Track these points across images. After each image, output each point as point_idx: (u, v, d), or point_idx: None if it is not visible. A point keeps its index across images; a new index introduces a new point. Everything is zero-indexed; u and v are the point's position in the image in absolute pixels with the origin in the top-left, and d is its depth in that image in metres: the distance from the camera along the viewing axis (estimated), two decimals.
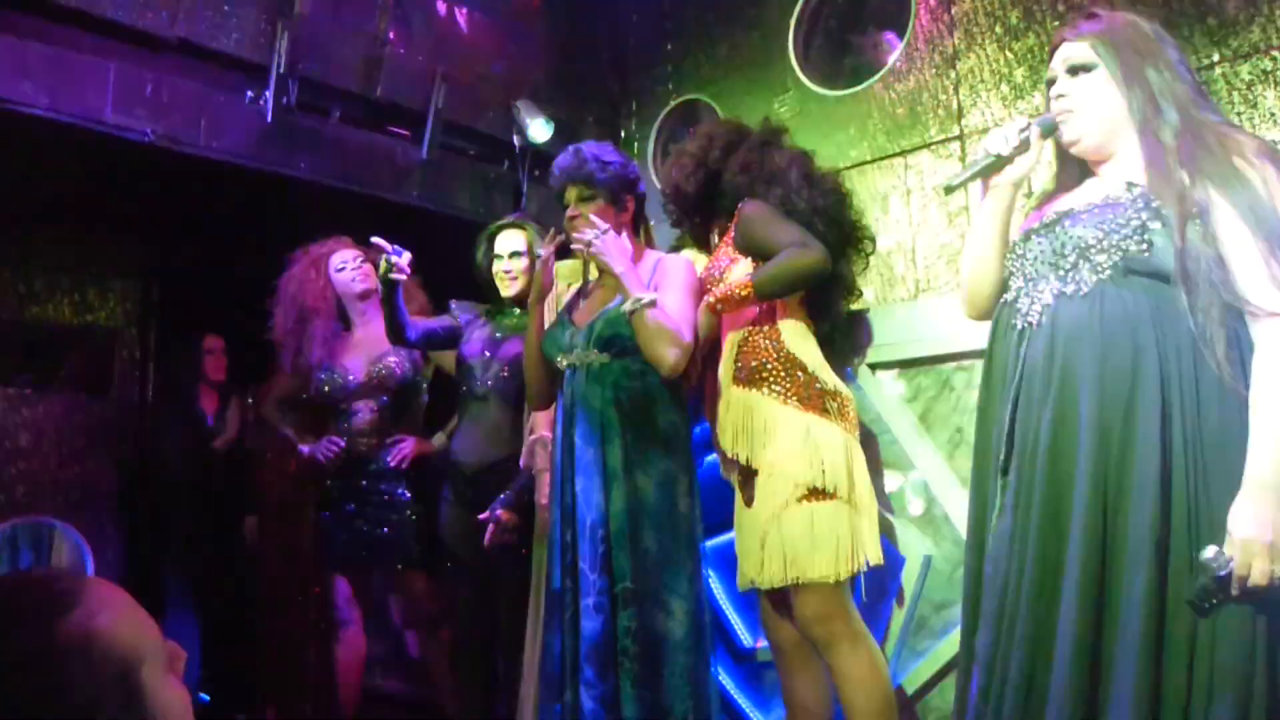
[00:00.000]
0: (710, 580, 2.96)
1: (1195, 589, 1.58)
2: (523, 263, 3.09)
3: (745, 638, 3.11)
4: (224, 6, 3.15)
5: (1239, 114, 2.49)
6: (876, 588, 2.72)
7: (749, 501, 2.52)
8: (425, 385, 3.59)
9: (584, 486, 2.47)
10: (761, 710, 3.09)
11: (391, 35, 3.52)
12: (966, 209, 2.90)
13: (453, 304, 3.28)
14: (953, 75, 3.03)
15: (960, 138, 3.00)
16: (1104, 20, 1.87)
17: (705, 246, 2.84)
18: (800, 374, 2.48)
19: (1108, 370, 1.70)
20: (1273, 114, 2.46)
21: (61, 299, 4.37)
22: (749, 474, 2.52)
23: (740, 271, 2.54)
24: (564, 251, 2.69)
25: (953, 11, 3.04)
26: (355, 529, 3.32)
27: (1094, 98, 1.84)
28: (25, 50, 2.82)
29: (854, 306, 2.87)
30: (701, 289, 2.61)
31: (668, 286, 2.56)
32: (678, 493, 2.49)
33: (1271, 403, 1.60)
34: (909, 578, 2.84)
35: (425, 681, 3.66)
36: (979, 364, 2.00)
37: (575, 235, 2.55)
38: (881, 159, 3.18)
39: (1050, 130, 1.88)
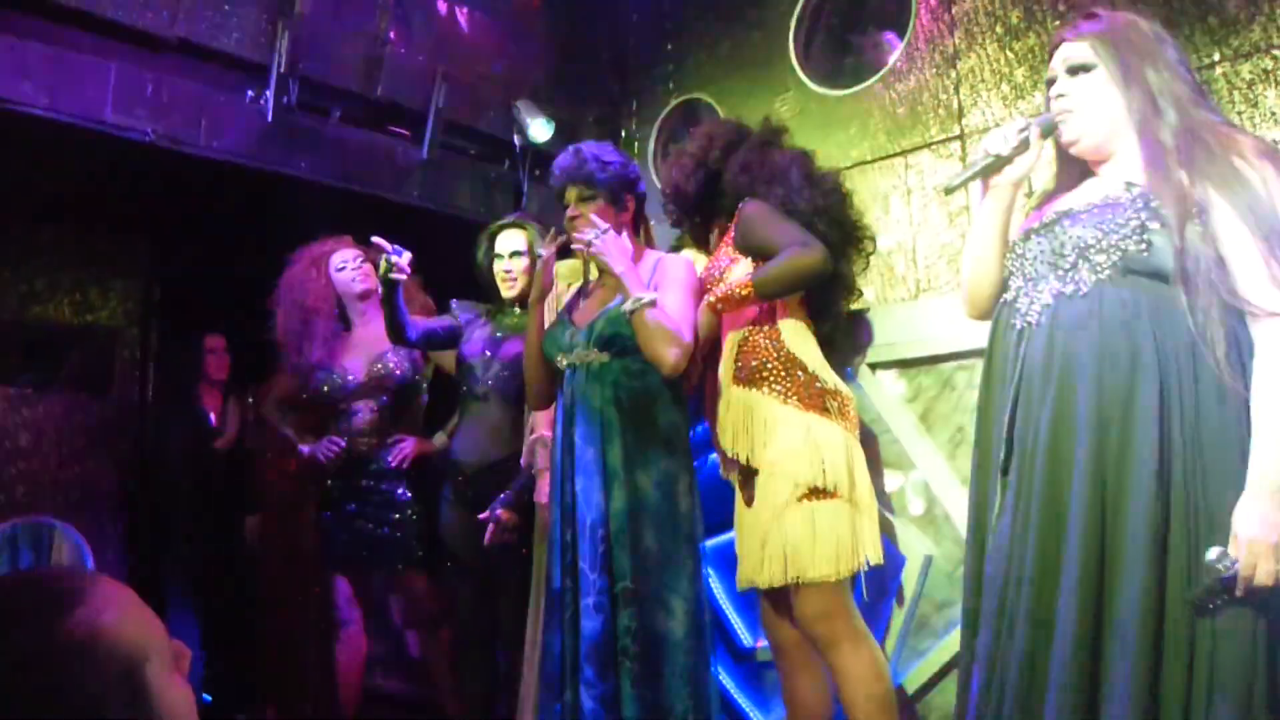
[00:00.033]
0: (710, 580, 2.97)
1: (1199, 590, 1.58)
2: (523, 262, 3.09)
3: (745, 637, 3.11)
4: (224, 6, 3.15)
5: (1240, 113, 2.49)
6: (877, 587, 2.72)
7: (749, 501, 2.52)
8: (425, 385, 3.59)
9: (584, 486, 2.47)
10: (762, 710, 3.09)
11: (392, 35, 3.52)
12: (967, 208, 2.89)
13: (454, 304, 3.28)
14: (953, 75, 3.02)
15: (961, 137, 2.99)
16: (1104, 20, 1.87)
17: (705, 246, 2.84)
18: (800, 373, 2.48)
19: (1106, 370, 1.70)
20: (1273, 113, 2.46)
21: (62, 299, 4.37)
22: (749, 473, 2.52)
23: (741, 271, 2.54)
24: (564, 251, 2.69)
25: (953, 11, 3.04)
26: (356, 529, 3.32)
27: (1093, 98, 1.84)
28: (25, 50, 2.82)
29: (854, 306, 2.87)
30: (702, 289, 2.61)
31: (668, 286, 2.56)
32: (678, 492, 2.49)
33: (1274, 403, 1.60)
34: (910, 577, 2.84)
35: (426, 681, 3.66)
36: (980, 363, 2.00)
37: (575, 235, 2.55)
38: (882, 159, 3.18)
39: (1049, 130, 1.88)
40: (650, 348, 2.44)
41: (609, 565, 2.41)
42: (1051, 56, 1.92)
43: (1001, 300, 1.92)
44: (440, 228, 3.93)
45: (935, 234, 3.02)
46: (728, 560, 2.78)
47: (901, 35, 3.20)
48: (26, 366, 4.29)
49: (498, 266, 3.12)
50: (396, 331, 3.03)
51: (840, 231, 2.63)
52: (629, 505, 2.43)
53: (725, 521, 2.71)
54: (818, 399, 2.46)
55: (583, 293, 2.77)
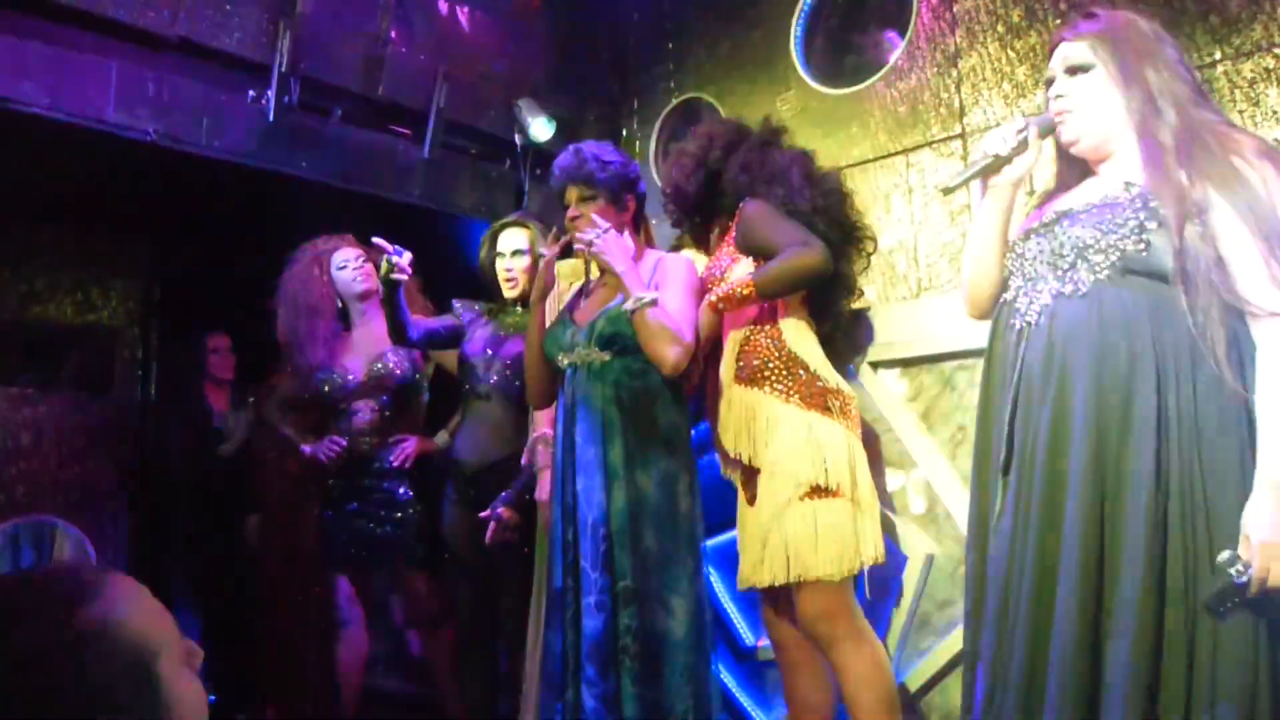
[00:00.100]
0: (711, 579, 2.97)
1: (1212, 593, 1.58)
2: (525, 261, 3.09)
3: (747, 636, 3.11)
4: (225, 5, 3.15)
5: (1241, 112, 2.49)
6: (879, 586, 2.72)
7: (751, 500, 2.52)
8: (426, 384, 3.59)
9: (585, 485, 2.47)
10: (763, 709, 3.09)
11: (393, 34, 3.52)
12: (968, 207, 2.89)
13: (455, 303, 3.28)
14: (954, 74, 3.02)
15: (962, 136, 2.99)
16: (1103, 20, 1.87)
17: (705, 246, 2.84)
18: (802, 372, 2.48)
19: (1105, 370, 1.70)
20: (1275, 112, 2.45)
21: (63, 298, 4.37)
22: (751, 473, 2.52)
23: (741, 271, 2.54)
24: (566, 251, 2.69)
25: (954, 10, 3.04)
26: (357, 528, 3.32)
27: (1092, 98, 1.84)
28: (26, 50, 2.82)
29: (856, 305, 2.87)
30: (703, 288, 2.61)
31: (669, 285, 2.56)
32: (679, 491, 2.49)
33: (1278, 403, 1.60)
34: (911, 576, 2.84)
35: (427, 681, 3.66)
36: (981, 362, 2.00)
37: (576, 235, 2.55)
38: (883, 157, 3.18)
39: (1048, 130, 1.88)
40: (651, 347, 2.45)
41: (610, 564, 2.41)
42: (1050, 56, 1.92)
43: (1001, 300, 1.93)
44: (441, 227, 3.93)
45: (936, 233, 3.02)
46: (729, 559, 2.78)
47: (903, 34, 3.20)
48: (27, 366, 4.29)
49: (499, 265, 3.13)
50: (398, 332, 3.03)
51: (841, 231, 2.63)
52: (629, 504, 2.43)
53: (726, 520, 2.71)
54: (819, 398, 2.46)
55: (584, 292, 2.77)
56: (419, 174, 3.73)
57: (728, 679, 3.05)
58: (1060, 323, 1.76)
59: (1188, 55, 2.50)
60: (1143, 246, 1.71)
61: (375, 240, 2.85)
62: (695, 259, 2.78)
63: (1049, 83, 1.92)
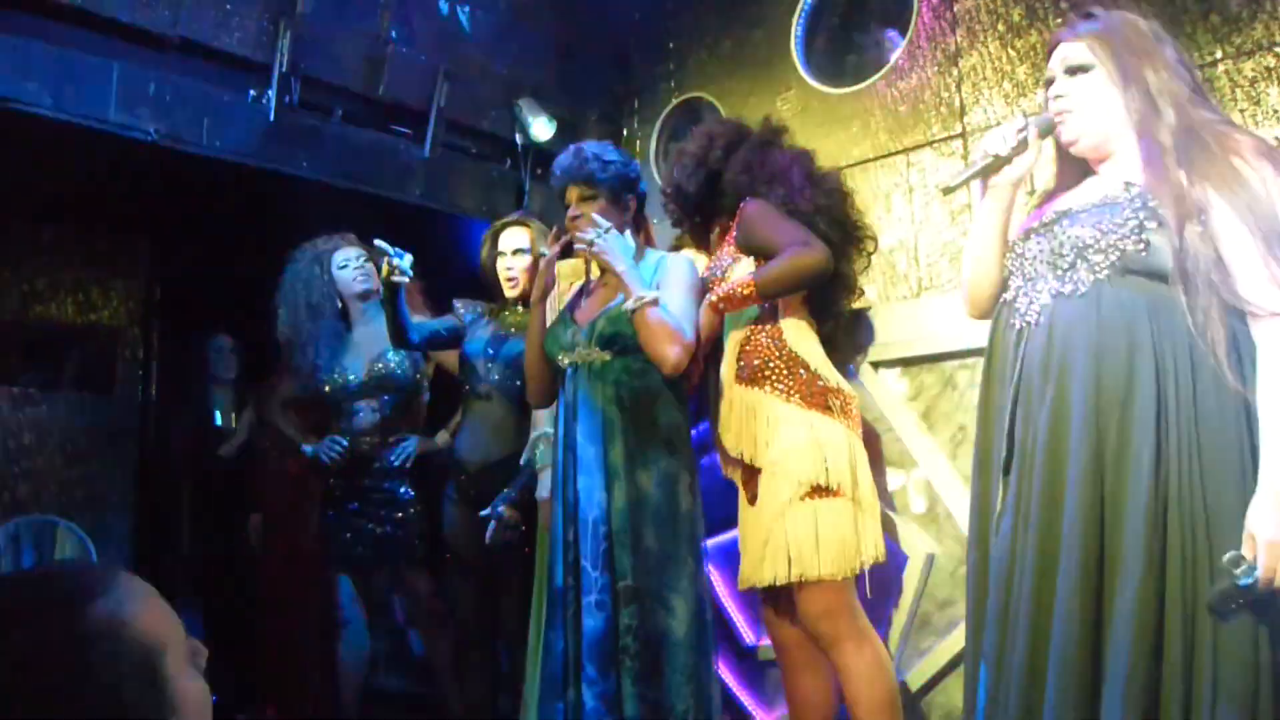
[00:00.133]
0: (712, 578, 2.96)
1: (1216, 594, 1.57)
2: (525, 260, 3.09)
3: (748, 635, 3.11)
4: (226, 5, 3.15)
5: (1242, 111, 2.49)
6: (880, 585, 2.72)
7: (752, 500, 2.52)
8: (426, 384, 3.59)
9: (586, 484, 2.47)
10: (764, 708, 3.09)
11: (394, 34, 3.52)
12: (969, 206, 2.89)
13: (457, 303, 3.28)
14: (955, 73, 3.02)
15: (963, 135, 2.99)
16: (1101, 20, 1.87)
17: (705, 246, 2.85)
18: (803, 372, 2.48)
19: (1104, 369, 1.70)
20: (1276, 111, 2.45)
21: (64, 298, 4.37)
22: (752, 472, 2.52)
23: (742, 271, 2.54)
24: (566, 250, 2.69)
25: (955, 9, 3.03)
26: (358, 528, 3.33)
27: (1091, 98, 1.84)
28: (28, 49, 2.82)
29: (856, 305, 2.88)
30: (703, 288, 2.61)
31: (669, 285, 2.56)
32: (679, 491, 2.49)
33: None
34: (912, 575, 2.84)
35: (428, 680, 3.66)
36: (981, 362, 2.00)
37: (577, 235, 2.55)
38: (884, 157, 3.18)
39: (1048, 130, 1.88)
40: (651, 346, 2.45)
41: (611, 563, 2.42)
42: (1049, 57, 1.92)
43: (1001, 300, 1.92)
44: (442, 226, 3.93)
45: (937, 232, 3.02)
46: (730, 558, 2.78)
47: (903, 33, 3.20)
48: (28, 366, 4.29)
49: (500, 264, 3.13)
50: (398, 335, 3.02)
51: (842, 230, 2.64)
52: (630, 504, 2.43)
53: (727, 520, 2.71)
54: (820, 397, 2.46)
55: (584, 292, 2.77)
56: (419, 174, 3.73)
57: (728, 678, 3.05)
58: (1060, 322, 1.76)
59: (1188, 54, 2.49)
60: (1142, 246, 1.71)
61: (377, 243, 2.84)
62: (695, 259, 2.78)
63: (1048, 83, 1.92)
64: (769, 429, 2.46)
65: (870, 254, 2.76)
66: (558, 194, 2.68)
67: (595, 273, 2.77)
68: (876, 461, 2.87)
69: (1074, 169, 1.93)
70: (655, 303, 2.45)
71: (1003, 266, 1.93)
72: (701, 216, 2.79)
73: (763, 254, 2.52)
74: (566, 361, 2.58)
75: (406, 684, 4.22)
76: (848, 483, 2.41)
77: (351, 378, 3.36)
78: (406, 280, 2.87)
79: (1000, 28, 2.93)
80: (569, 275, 2.91)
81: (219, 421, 4.46)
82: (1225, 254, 1.65)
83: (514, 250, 3.11)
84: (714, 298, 2.53)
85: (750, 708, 3.08)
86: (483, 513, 2.90)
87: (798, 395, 2.45)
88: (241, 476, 4.22)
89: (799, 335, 2.54)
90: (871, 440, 2.77)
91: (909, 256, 3.06)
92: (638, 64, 3.98)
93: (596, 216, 2.55)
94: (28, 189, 3.75)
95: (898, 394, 2.97)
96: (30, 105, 2.82)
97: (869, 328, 3.02)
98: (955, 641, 2.72)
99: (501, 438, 3.05)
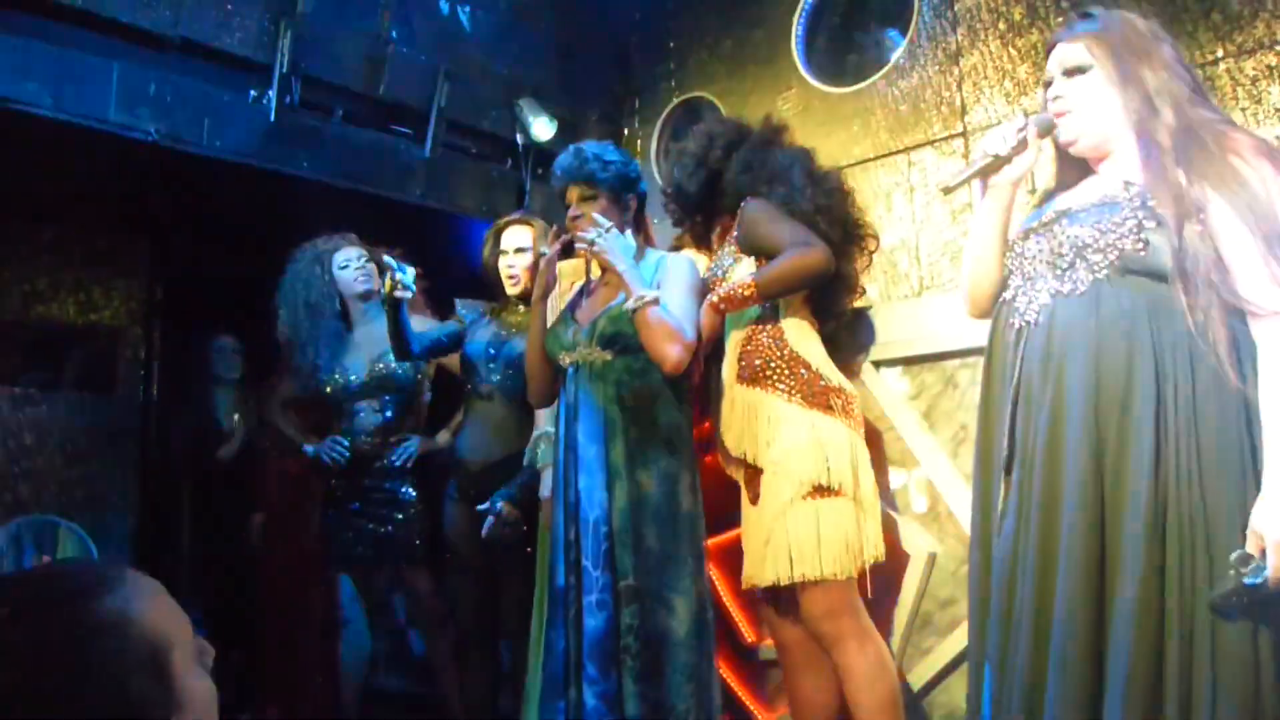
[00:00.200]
0: (713, 577, 2.96)
1: (1219, 593, 1.56)
2: (527, 259, 3.09)
3: (749, 635, 3.11)
4: (227, 5, 3.15)
5: (1244, 109, 2.49)
6: (881, 585, 2.72)
7: (754, 499, 2.52)
8: (427, 384, 3.59)
9: (587, 484, 2.47)
10: (765, 708, 3.09)
11: (394, 34, 3.52)
12: (970, 206, 2.89)
13: (458, 303, 3.28)
14: (956, 72, 3.02)
15: (964, 134, 2.99)
16: (1099, 20, 1.86)
17: (706, 245, 2.84)
18: (804, 371, 2.48)
19: (1103, 369, 1.70)
20: (1277, 109, 2.45)
21: (65, 298, 4.38)
22: (754, 472, 2.52)
23: (743, 271, 2.54)
24: (567, 250, 2.69)
25: (956, 8, 3.03)
26: (359, 527, 3.32)
27: (1090, 99, 1.83)
28: (28, 50, 2.82)
29: (858, 304, 2.87)
30: (704, 287, 2.61)
31: (670, 285, 2.56)
32: (680, 490, 2.49)
33: None
34: (913, 575, 2.84)
35: (429, 680, 3.66)
36: (983, 361, 2.00)
37: (578, 235, 2.55)
38: (885, 156, 3.18)
39: (1047, 129, 1.88)
40: (652, 346, 2.44)
41: (612, 563, 2.41)
42: (1047, 57, 1.92)
43: (1001, 299, 1.92)
44: (443, 226, 3.93)
45: (938, 231, 3.02)
46: (731, 557, 2.78)
47: (904, 32, 3.20)
48: (30, 366, 4.30)
49: (502, 263, 3.13)
50: (401, 348, 3.03)
51: (842, 230, 2.63)
52: (631, 503, 2.43)
53: (728, 519, 2.70)
54: (821, 397, 2.46)
55: (585, 291, 2.77)
56: (420, 173, 3.74)
57: (729, 678, 3.05)
58: (1059, 322, 1.76)
59: (1190, 53, 2.50)
60: (1141, 246, 1.71)
61: (384, 257, 2.85)
62: (696, 258, 2.78)
63: (1046, 84, 1.91)
64: (770, 429, 2.46)
65: (871, 253, 2.76)
66: (558, 194, 2.68)
67: (596, 272, 2.76)
68: (878, 460, 2.86)
69: (1074, 168, 1.93)
70: (656, 302, 2.44)
71: (1003, 266, 1.93)
72: (702, 216, 2.79)
73: (763, 254, 2.52)
74: (567, 361, 2.58)
75: (407, 684, 4.22)
76: (849, 482, 2.41)
77: (352, 378, 3.36)
78: (409, 295, 2.88)
79: (1001, 26, 2.93)
80: (570, 275, 2.91)
81: (223, 423, 4.45)
82: (1225, 253, 1.65)
83: (516, 249, 3.11)
84: (715, 298, 2.53)
85: (751, 707, 3.08)
86: (480, 507, 2.91)
87: (799, 395, 2.45)
88: (242, 477, 4.22)
89: (800, 335, 2.54)
90: (873, 439, 2.77)
91: (910, 256, 3.06)
92: (638, 64, 3.99)
93: (597, 216, 2.55)
94: (28, 189, 3.75)
95: (899, 393, 2.97)
96: (31, 105, 2.82)
97: (870, 327, 3.02)
98: (957, 641, 2.72)
99: (503, 437, 3.05)
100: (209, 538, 4.31)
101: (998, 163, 1.88)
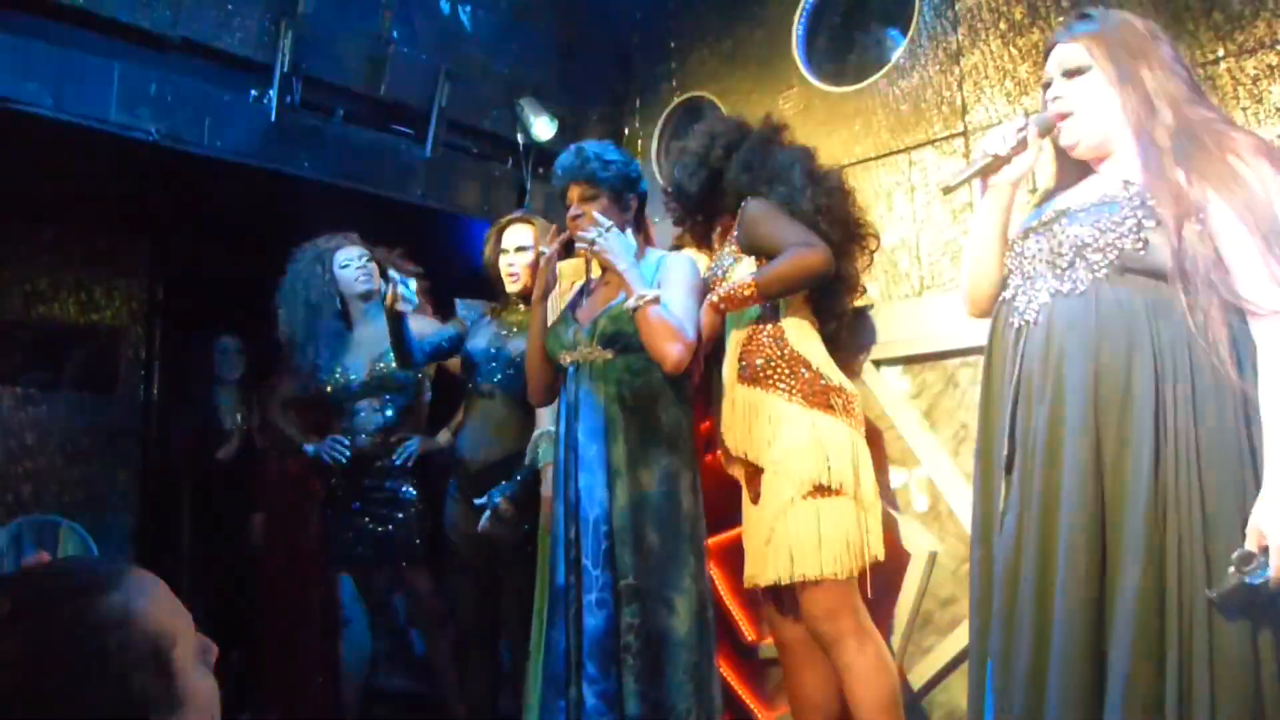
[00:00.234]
0: (714, 576, 2.96)
1: (1220, 592, 1.56)
2: (528, 257, 3.09)
3: (749, 634, 3.11)
4: (227, 5, 3.15)
5: (1245, 109, 2.48)
6: (882, 584, 2.72)
7: (755, 499, 2.52)
8: (428, 383, 3.59)
9: (587, 483, 2.47)
10: (766, 707, 3.09)
11: (395, 33, 3.53)
12: (971, 205, 2.89)
13: (458, 303, 3.28)
14: (957, 71, 3.02)
15: (964, 134, 2.99)
16: (1097, 20, 1.86)
17: (707, 245, 2.84)
18: (805, 371, 2.48)
19: (1103, 368, 1.70)
20: (1278, 108, 2.45)
21: (66, 298, 4.38)
22: (755, 471, 2.52)
23: (744, 270, 2.54)
24: (568, 250, 2.69)
25: (956, 7, 3.03)
26: (359, 527, 3.32)
27: (1090, 100, 1.83)
28: (29, 49, 2.82)
29: (858, 303, 2.87)
30: (705, 287, 2.61)
31: (670, 284, 2.56)
32: (681, 489, 2.49)
33: None
34: (914, 574, 2.83)
35: (429, 679, 3.66)
36: (983, 360, 2.00)
37: (578, 234, 2.55)
38: (885, 155, 3.18)
39: (1047, 129, 1.88)
40: (653, 345, 2.45)
41: (612, 562, 2.42)
42: (1046, 59, 1.92)
43: (1001, 299, 1.92)
44: (443, 226, 3.93)
45: (939, 231, 3.02)
46: (731, 557, 2.78)
47: (905, 31, 3.19)
48: (31, 366, 4.30)
49: (502, 261, 3.13)
50: (403, 358, 3.05)
51: (843, 229, 2.63)
52: (631, 502, 2.43)
53: (729, 518, 2.70)
54: (822, 396, 2.46)
55: (585, 291, 2.77)
56: (421, 173, 3.74)
57: (730, 676, 3.04)
58: (1058, 321, 1.76)
59: (1191, 52, 2.50)
60: (1141, 245, 1.71)
61: (389, 270, 2.87)
62: (696, 258, 2.78)
63: (1046, 85, 1.91)
64: (771, 428, 2.46)
65: (872, 252, 2.76)
66: (559, 193, 2.68)
67: (596, 272, 2.76)
68: (879, 459, 2.86)
69: (1073, 168, 1.93)
70: (656, 301, 2.45)
71: (1002, 265, 1.93)
72: (703, 215, 2.79)
73: (764, 254, 2.52)
74: (568, 360, 2.58)
75: (408, 683, 4.22)
76: (850, 482, 2.41)
77: (353, 377, 3.36)
78: (411, 308, 2.90)
79: (1002, 26, 2.93)
80: (570, 274, 2.92)
81: (226, 424, 4.45)
82: (1224, 253, 1.65)
83: (517, 248, 3.11)
84: (715, 297, 2.53)
85: (752, 706, 3.08)
86: (478, 501, 2.91)
87: (800, 395, 2.45)
88: (243, 477, 4.23)
89: (801, 334, 2.54)
90: (874, 438, 2.77)
91: (911, 255, 3.06)
92: (639, 63, 3.99)
93: (598, 215, 2.55)
94: (29, 189, 3.76)
95: (900, 392, 2.97)
96: (31, 105, 2.83)
97: (871, 326, 3.01)
98: (957, 640, 2.71)
99: (504, 436, 3.05)
100: (209, 537, 4.31)
101: (998, 162, 1.88)
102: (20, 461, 4.10)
